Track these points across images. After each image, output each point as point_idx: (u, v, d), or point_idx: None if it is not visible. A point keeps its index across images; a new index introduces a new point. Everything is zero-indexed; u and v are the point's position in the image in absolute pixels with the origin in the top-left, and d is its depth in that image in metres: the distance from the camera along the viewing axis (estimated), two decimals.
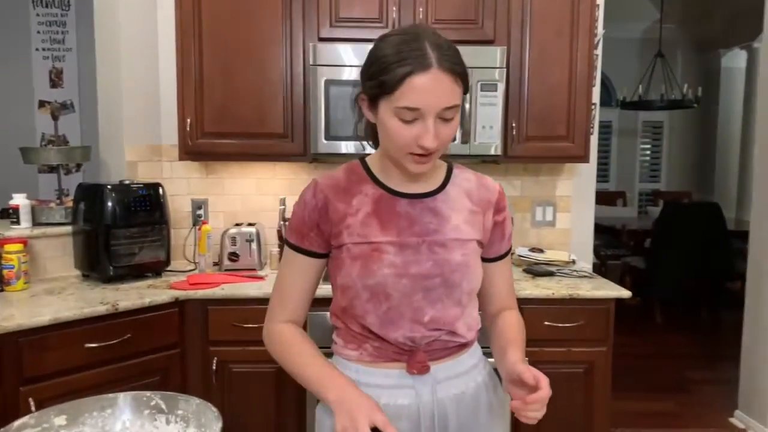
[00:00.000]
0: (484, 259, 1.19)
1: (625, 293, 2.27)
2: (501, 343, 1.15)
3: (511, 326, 1.18)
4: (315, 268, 1.15)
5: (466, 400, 1.15)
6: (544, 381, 0.99)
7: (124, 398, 0.95)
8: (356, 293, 1.09)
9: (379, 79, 1.00)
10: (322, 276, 1.19)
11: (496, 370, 1.18)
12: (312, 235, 1.12)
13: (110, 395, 0.95)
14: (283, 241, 1.17)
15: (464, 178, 1.18)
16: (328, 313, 2.16)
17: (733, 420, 3.22)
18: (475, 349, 1.21)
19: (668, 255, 4.83)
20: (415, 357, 1.11)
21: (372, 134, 1.16)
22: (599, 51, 2.75)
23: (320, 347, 1.12)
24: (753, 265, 3.12)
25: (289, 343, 1.12)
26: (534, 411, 0.98)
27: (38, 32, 4.35)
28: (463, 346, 1.17)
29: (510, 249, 1.25)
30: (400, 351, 1.11)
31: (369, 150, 1.20)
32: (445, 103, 0.99)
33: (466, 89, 1.04)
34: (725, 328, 4.97)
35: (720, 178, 7.12)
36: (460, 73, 1.01)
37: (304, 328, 1.28)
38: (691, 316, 5.21)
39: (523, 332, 1.19)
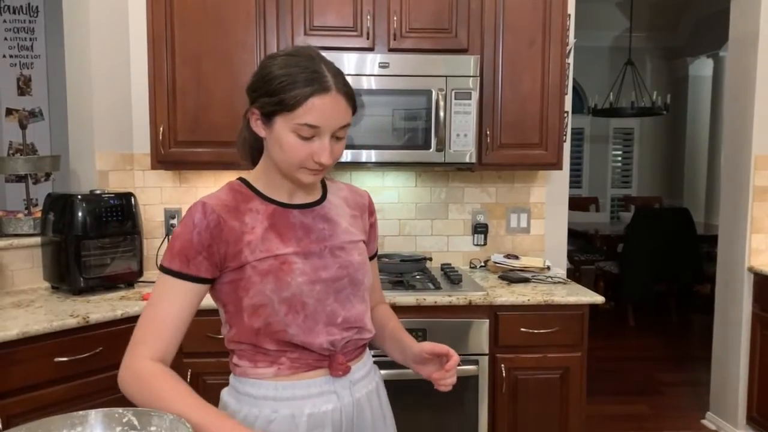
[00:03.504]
0: None
1: (599, 299, 2.30)
2: (392, 333, 1.27)
3: (392, 318, 1.32)
4: (197, 297, 1.09)
5: (374, 397, 1.23)
6: (451, 350, 1.14)
7: (95, 415, 0.93)
8: (273, 309, 1.08)
9: (279, 96, 1.05)
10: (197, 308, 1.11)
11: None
12: (200, 258, 1.06)
13: (80, 412, 0.92)
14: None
15: (337, 187, 1.27)
16: None
17: (704, 422, 3.28)
18: (368, 349, 1.28)
19: (639, 259, 4.91)
20: (336, 360, 1.14)
21: (250, 151, 1.19)
22: (571, 59, 2.80)
23: None
24: (722, 269, 3.19)
25: (160, 384, 1.01)
26: (451, 377, 1.14)
27: (5, 39, 4.26)
28: (366, 344, 1.24)
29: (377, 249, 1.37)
30: (320, 357, 1.13)
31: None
32: (342, 122, 1.08)
33: (354, 110, 1.12)
34: (696, 330, 5.07)
35: (689, 183, 7.28)
36: (352, 96, 1.10)
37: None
38: (662, 320, 5.30)
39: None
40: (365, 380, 1.21)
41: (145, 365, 1.03)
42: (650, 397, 3.67)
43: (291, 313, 1.09)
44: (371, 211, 1.30)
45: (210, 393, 2.33)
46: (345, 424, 1.15)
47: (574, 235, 5.06)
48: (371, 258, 1.30)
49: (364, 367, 1.22)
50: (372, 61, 2.35)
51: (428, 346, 1.16)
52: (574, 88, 3.01)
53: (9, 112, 4.27)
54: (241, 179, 1.18)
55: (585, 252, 5.79)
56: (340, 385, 1.15)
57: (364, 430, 1.19)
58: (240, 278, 1.09)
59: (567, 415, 2.32)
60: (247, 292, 1.09)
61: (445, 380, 1.14)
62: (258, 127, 1.11)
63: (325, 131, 1.06)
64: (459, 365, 1.17)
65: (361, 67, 2.34)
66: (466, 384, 2.23)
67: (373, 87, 2.36)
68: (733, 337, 3.07)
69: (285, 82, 1.04)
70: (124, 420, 0.93)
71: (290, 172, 1.10)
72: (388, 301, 2.11)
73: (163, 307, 1.07)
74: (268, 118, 1.07)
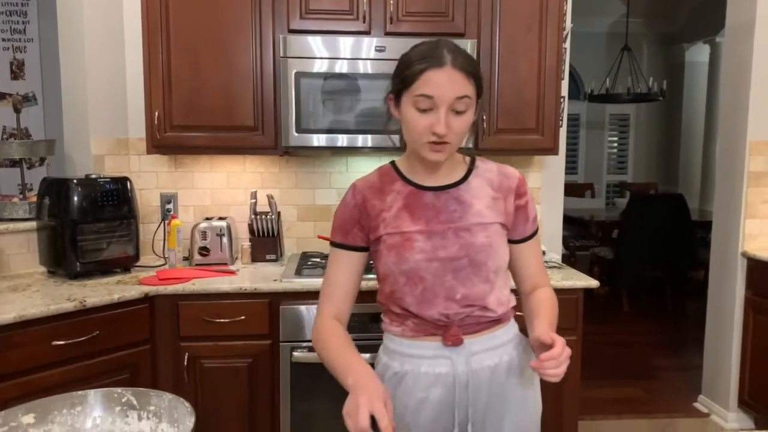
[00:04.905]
0: (512, 241, 1.33)
1: (594, 283, 2.31)
2: (530, 317, 1.29)
3: (541, 302, 1.31)
4: (358, 262, 1.30)
5: (500, 371, 1.28)
6: (558, 340, 1.11)
7: (94, 395, 0.94)
8: (394, 279, 1.25)
9: (401, 75, 1.19)
10: (364, 271, 1.33)
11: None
12: (355, 230, 1.28)
13: (80, 392, 0.93)
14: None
15: (486, 168, 1.33)
16: (302, 307, 2.16)
17: (697, 405, 3.32)
18: (511, 326, 1.35)
19: (634, 245, 4.93)
20: (449, 331, 1.25)
21: (401, 132, 1.30)
22: (567, 45, 2.79)
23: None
24: (716, 254, 3.21)
25: (325, 338, 1.25)
26: (551, 368, 1.09)
27: None
28: (497, 321, 1.30)
29: (536, 230, 1.37)
30: (436, 326, 1.25)
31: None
32: (456, 93, 1.15)
33: (479, 90, 1.20)
34: (689, 316, 5.10)
35: (684, 169, 7.29)
36: (471, 72, 1.17)
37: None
38: (657, 305, 5.34)
39: (554, 305, 1.31)
40: (487, 354, 1.27)
41: (322, 322, 1.28)
42: (644, 381, 3.70)
43: (409, 284, 1.24)
44: (519, 193, 1.32)
45: (206, 376, 2.36)
46: (458, 389, 1.24)
47: (569, 221, 5.08)
48: (524, 240, 1.34)
49: (489, 342, 1.28)
50: (368, 45, 2.34)
51: (539, 332, 1.16)
52: (570, 73, 3.00)
53: (2, 96, 4.24)
54: (391, 163, 1.35)
55: (580, 238, 5.81)
56: (456, 353, 1.25)
57: (478, 400, 1.27)
58: (376, 249, 1.28)
59: (561, 398, 2.34)
60: (379, 261, 1.28)
61: (545, 370, 1.09)
62: (394, 110, 1.24)
63: (440, 102, 1.15)
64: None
65: (357, 50, 2.33)
66: None
67: (369, 71, 2.34)
68: (726, 321, 3.10)
69: (406, 64, 1.18)
70: (123, 400, 0.94)
71: (417, 150, 1.22)
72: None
73: (333, 274, 1.31)
74: (397, 98, 1.21)
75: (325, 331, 1.27)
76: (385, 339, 1.34)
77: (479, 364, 1.26)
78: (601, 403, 3.32)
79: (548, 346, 1.11)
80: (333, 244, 1.31)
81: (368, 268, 1.37)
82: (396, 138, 1.34)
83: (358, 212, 1.28)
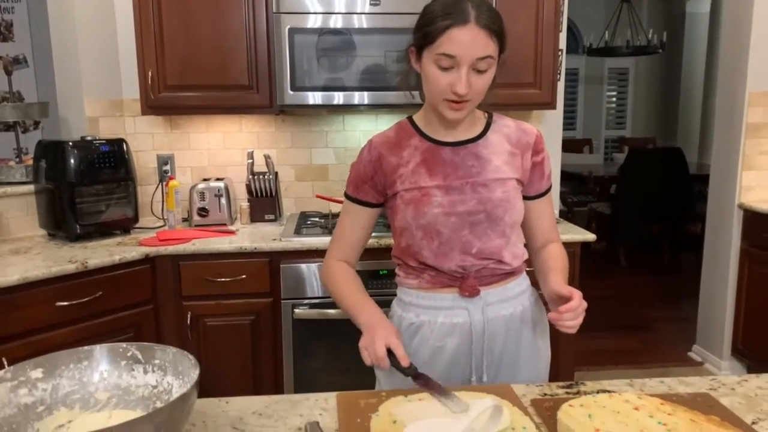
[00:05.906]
0: (526, 197, 1.33)
1: (590, 236, 2.33)
2: (544, 271, 1.31)
3: (553, 257, 1.33)
4: (367, 217, 1.33)
5: (514, 321, 1.31)
6: (576, 293, 1.13)
7: (100, 350, 0.96)
8: (411, 233, 1.27)
9: (424, 30, 1.16)
10: (373, 226, 1.37)
11: (542, 296, 1.34)
12: (366, 187, 1.30)
13: (86, 348, 0.95)
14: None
15: (503, 124, 1.33)
16: (303, 265, 2.19)
17: (691, 354, 3.39)
18: (523, 279, 1.37)
19: (632, 200, 4.94)
20: (466, 282, 1.27)
21: (420, 86, 1.28)
22: None
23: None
24: (712, 206, 3.22)
25: (337, 278, 1.32)
26: (569, 320, 1.11)
27: None
28: (511, 274, 1.32)
29: (550, 187, 1.38)
30: (453, 278, 1.28)
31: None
32: (479, 54, 1.13)
33: (502, 47, 1.18)
34: (686, 269, 5.16)
35: (683, 123, 7.24)
36: (495, 31, 1.14)
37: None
38: (653, 259, 5.39)
39: (566, 261, 1.34)
40: (502, 304, 1.30)
41: (331, 263, 1.36)
42: (640, 332, 3.77)
43: (426, 238, 1.26)
44: (537, 150, 1.32)
45: (210, 334, 2.39)
46: (475, 337, 1.28)
47: (567, 176, 5.08)
48: (539, 196, 1.35)
49: (503, 293, 1.31)
50: None
51: (556, 286, 1.19)
52: (568, 27, 2.96)
53: None
54: (409, 118, 1.34)
55: (578, 194, 5.81)
56: (473, 304, 1.28)
57: (494, 349, 1.30)
58: (393, 204, 1.29)
59: (557, 350, 2.38)
60: (396, 216, 1.29)
61: (563, 322, 1.11)
62: (415, 63, 1.23)
63: (462, 62, 1.13)
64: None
65: (352, 5, 2.29)
66: None
67: (365, 26, 2.31)
68: (721, 272, 3.14)
69: (429, 18, 1.16)
70: (129, 354, 0.96)
71: (436, 106, 1.21)
72: (378, 245, 2.15)
73: (344, 222, 1.35)
74: (419, 52, 1.19)
75: (335, 271, 1.33)
76: (399, 293, 1.36)
77: (495, 313, 1.28)
78: (598, 354, 3.39)
79: (566, 299, 1.14)
80: (346, 195, 1.34)
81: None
82: (416, 93, 1.32)
83: (372, 169, 1.28)
